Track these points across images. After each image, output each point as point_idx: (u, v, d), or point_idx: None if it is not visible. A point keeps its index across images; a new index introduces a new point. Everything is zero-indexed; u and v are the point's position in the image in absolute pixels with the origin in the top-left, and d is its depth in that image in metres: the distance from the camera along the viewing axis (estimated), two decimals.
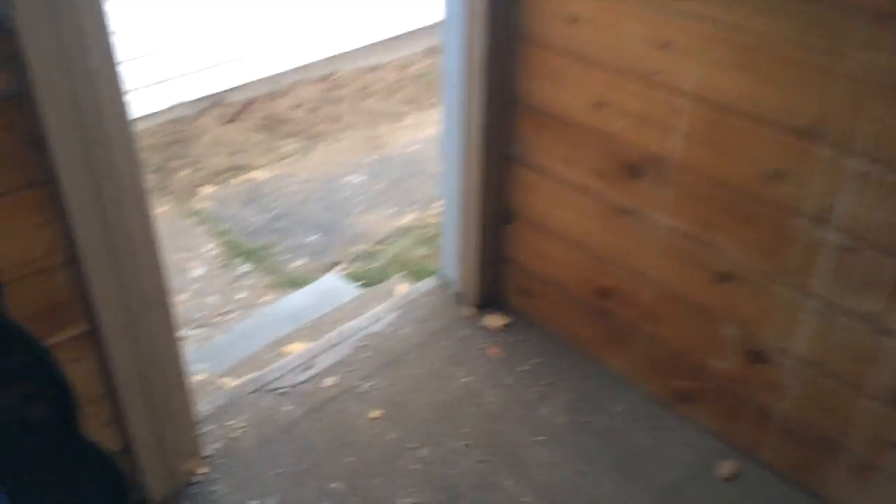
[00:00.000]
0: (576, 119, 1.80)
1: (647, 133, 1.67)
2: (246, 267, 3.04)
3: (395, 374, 1.98)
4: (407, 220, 3.33)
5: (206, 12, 4.57)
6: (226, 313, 2.80)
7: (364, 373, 1.98)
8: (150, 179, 3.58)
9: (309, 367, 1.98)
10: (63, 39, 1.17)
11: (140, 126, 3.94)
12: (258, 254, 3.11)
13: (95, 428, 1.44)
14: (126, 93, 1.30)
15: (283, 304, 2.66)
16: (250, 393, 1.90)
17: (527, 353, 2.07)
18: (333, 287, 2.74)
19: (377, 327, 2.13)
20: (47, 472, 1.31)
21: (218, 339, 2.52)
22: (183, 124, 4.02)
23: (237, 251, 3.13)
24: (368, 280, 2.89)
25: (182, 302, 2.85)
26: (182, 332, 2.71)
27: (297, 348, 2.19)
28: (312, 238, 3.20)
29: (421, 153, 3.86)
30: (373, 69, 4.74)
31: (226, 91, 4.19)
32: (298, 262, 3.06)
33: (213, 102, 4.16)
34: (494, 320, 2.17)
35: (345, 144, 3.93)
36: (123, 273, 1.36)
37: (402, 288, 2.52)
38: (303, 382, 1.93)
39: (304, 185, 3.58)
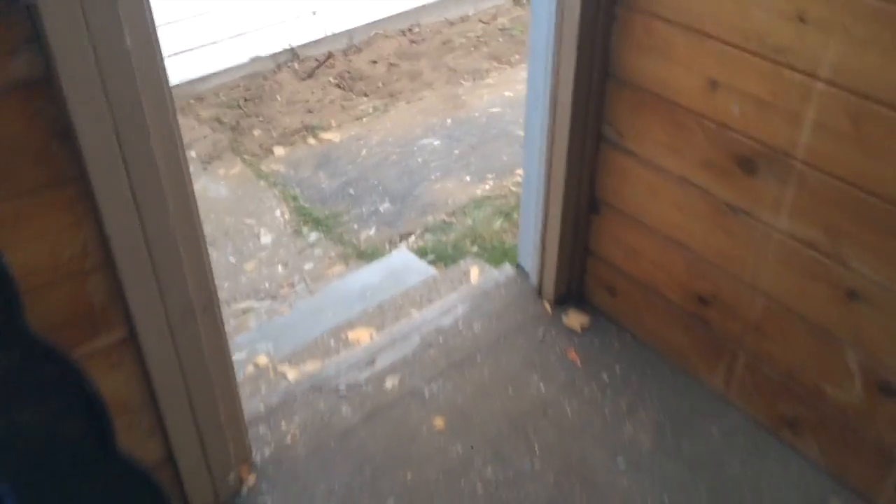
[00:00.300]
0: (683, 100, 1.56)
1: (769, 121, 1.43)
2: (315, 235, 2.92)
3: (463, 378, 1.81)
4: (485, 189, 3.13)
5: None
6: (292, 285, 2.70)
7: (429, 374, 1.82)
8: (223, 139, 3.49)
9: (370, 364, 1.84)
10: (91, 16, 1.02)
11: (216, 81, 3.86)
12: (328, 222, 2.98)
13: (135, 438, 1.34)
14: (167, 77, 1.15)
15: (351, 281, 2.52)
16: (307, 391, 1.77)
17: (610, 360, 1.86)
18: (403, 264, 2.58)
19: (446, 321, 1.96)
20: (83, 491, 1.23)
21: (282, 318, 2.41)
22: (260, 80, 3.90)
23: (307, 218, 3.01)
24: (440, 255, 2.73)
25: (249, 271, 2.76)
26: (248, 304, 2.66)
27: (361, 336, 2.06)
28: (384, 206, 3.05)
29: (503, 115, 3.62)
30: (456, 22, 4.50)
31: (303, 45, 4.05)
32: (369, 232, 2.92)
33: (291, 57, 4.02)
34: (574, 319, 1.96)
35: (423, 104, 3.73)
36: (164, 277, 1.23)
37: (476, 271, 2.34)
38: (362, 383, 1.79)
39: (379, 147, 3.41)
